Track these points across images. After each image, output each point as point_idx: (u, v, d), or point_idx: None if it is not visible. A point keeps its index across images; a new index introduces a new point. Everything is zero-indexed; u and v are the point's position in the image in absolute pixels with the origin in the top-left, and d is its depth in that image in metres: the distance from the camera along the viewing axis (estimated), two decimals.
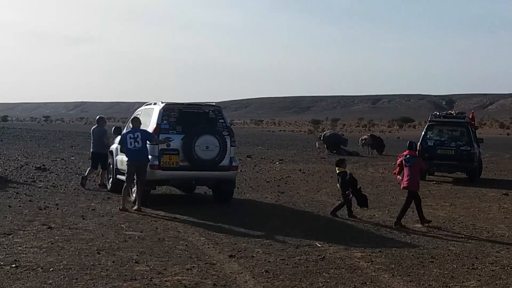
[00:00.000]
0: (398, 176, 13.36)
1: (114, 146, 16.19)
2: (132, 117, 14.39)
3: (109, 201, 14.37)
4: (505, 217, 13.97)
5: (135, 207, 13.02)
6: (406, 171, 12.77)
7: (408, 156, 12.86)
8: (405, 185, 12.71)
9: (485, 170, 25.50)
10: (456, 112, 25.44)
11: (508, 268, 8.89)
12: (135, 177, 13.37)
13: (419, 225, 12.42)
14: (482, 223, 12.95)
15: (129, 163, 13.34)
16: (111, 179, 16.08)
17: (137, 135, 13.16)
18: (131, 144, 13.13)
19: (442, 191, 19.13)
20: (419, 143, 22.43)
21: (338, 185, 13.83)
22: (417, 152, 22.14)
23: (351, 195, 13.21)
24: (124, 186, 13.51)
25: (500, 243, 10.84)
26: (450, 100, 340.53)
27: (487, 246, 10.48)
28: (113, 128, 16.56)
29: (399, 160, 13.19)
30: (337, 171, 13.84)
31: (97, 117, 17.68)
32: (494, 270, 8.72)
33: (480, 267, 8.89)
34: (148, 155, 13.38)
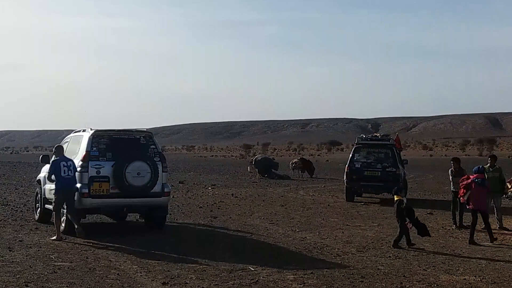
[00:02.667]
0: (463, 198, 13.96)
1: (42, 175, 15.72)
2: (56, 146, 14.03)
3: (37, 232, 13.89)
4: (431, 236, 14.33)
5: (54, 238, 12.73)
6: (476, 193, 13.57)
7: (478, 179, 13.58)
8: (477, 207, 13.61)
9: (410, 190, 26.12)
10: (382, 134, 25.99)
11: (435, 285, 9.11)
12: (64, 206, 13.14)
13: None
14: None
15: (59, 190, 13.01)
16: (38, 209, 15.57)
17: (70, 164, 13.11)
18: (65, 173, 12.97)
19: (370, 211, 19.48)
20: (347, 165, 22.85)
21: (395, 214, 13.42)
22: (346, 174, 22.67)
23: (410, 225, 12.91)
24: (54, 216, 13.15)
25: (426, 261, 11.11)
26: (375, 123, 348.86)
27: (414, 265, 10.72)
28: (41, 156, 16.11)
29: (466, 182, 13.87)
30: (395, 199, 13.38)
31: None
32: None
33: (408, 285, 9.06)
34: (76, 184, 13.25)
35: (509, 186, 16.35)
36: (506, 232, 15.06)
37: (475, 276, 9.76)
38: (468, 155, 75.34)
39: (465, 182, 13.85)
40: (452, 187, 16.32)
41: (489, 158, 16.49)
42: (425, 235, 12.87)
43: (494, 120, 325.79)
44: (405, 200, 13.20)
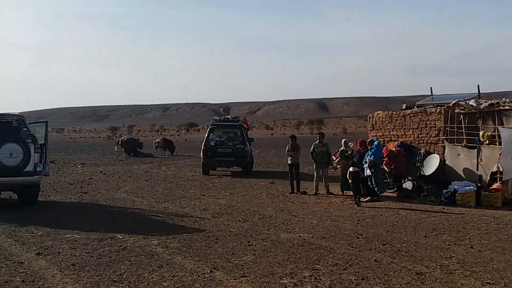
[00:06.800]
0: (388, 167, 15.36)
1: None
2: None
3: None
4: (272, 201, 14.89)
5: None
6: (399, 161, 15.23)
7: (398, 151, 15.53)
8: (399, 171, 15.24)
9: (256, 164, 26.90)
10: (232, 117, 26.42)
11: (276, 242, 9.49)
12: None
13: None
14: (255, 207, 13.66)
15: None
16: None
17: None
18: None
19: (223, 183, 19.81)
20: (203, 144, 23.00)
21: (350, 181, 14.68)
22: (202, 151, 22.71)
23: (364, 189, 14.72)
24: None
25: (269, 222, 11.52)
26: (227, 107, 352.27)
27: (259, 226, 11.07)
28: None
29: (387, 153, 15.47)
30: (353, 170, 14.55)
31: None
32: (265, 245, 9.24)
33: (254, 243, 9.37)
34: None
35: (334, 159, 17.31)
36: (332, 196, 16.01)
37: (308, 233, 10.29)
38: (302, 134, 78.66)
39: (387, 153, 15.46)
40: (288, 160, 17.01)
41: (317, 135, 17.35)
42: (374, 197, 14.75)
43: (322, 104, 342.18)
44: (360, 172, 14.67)
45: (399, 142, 16.38)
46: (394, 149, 15.76)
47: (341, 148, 16.40)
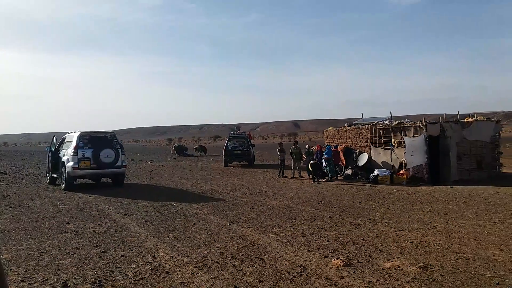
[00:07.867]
0: (336, 160, 15.28)
1: (65, 158, 12.65)
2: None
3: (48, 189, 12.58)
4: (267, 182, 14.83)
5: None
6: (337, 156, 15.39)
7: (338, 150, 15.70)
8: (337, 162, 15.34)
9: (256, 160, 26.81)
10: (242, 132, 26.37)
11: (269, 206, 9.46)
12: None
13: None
14: (256, 186, 13.60)
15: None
16: (48, 177, 13.71)
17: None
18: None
19: (236, 171, 19.74)
20: (224, 148, 22.95)
21: (311, 169, 14.31)
22: (223, 152, 22.58)
23: (321, 173, 14.56)
24: None
25: (265, 195, 11.46)
26: (238, 126, 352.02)
27: (259, 197, 11.02)
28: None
29: (334, 150, 15.36)
30: (313, 162, 14.31)
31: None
32: (262, 208, 9.21)
33: (256, 207, 9.34)
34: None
35: (304, 157, 17.27)
36: (303, 178, 15.96)
37: (289, 201, 10.24)
38: (284, 141, 78.51)
39: (334, 151, 15.47)
40: (279, 157, 17.01)
41: (294, 142, 17.35)
42: (333, 177, 14.64)
43: (296, 124, 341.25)
44: (318, 163, 14.67)
45: (336, 145, 16.52)
46: (333, 149, 15.85)
47: (305, 150, 16.48)
